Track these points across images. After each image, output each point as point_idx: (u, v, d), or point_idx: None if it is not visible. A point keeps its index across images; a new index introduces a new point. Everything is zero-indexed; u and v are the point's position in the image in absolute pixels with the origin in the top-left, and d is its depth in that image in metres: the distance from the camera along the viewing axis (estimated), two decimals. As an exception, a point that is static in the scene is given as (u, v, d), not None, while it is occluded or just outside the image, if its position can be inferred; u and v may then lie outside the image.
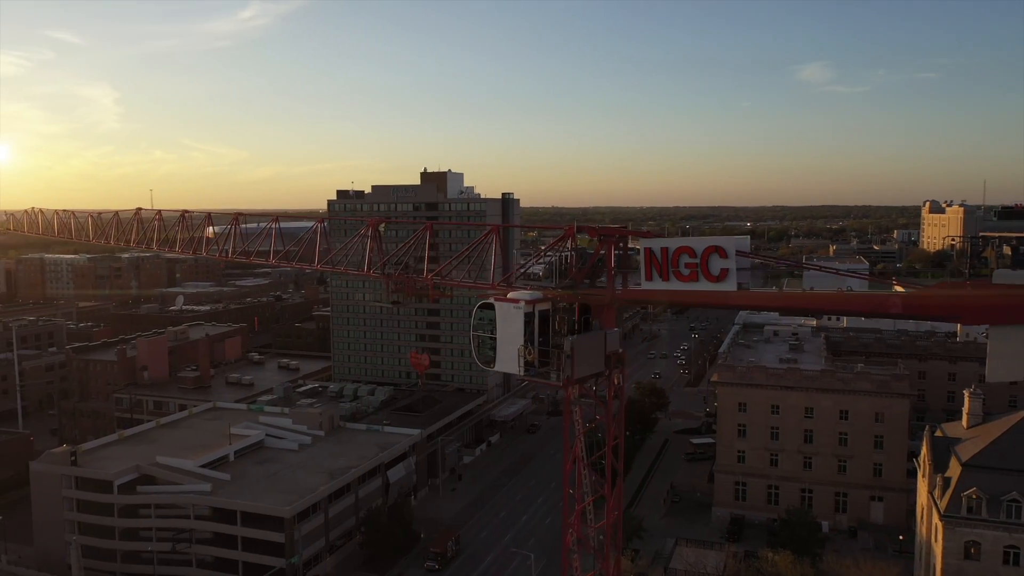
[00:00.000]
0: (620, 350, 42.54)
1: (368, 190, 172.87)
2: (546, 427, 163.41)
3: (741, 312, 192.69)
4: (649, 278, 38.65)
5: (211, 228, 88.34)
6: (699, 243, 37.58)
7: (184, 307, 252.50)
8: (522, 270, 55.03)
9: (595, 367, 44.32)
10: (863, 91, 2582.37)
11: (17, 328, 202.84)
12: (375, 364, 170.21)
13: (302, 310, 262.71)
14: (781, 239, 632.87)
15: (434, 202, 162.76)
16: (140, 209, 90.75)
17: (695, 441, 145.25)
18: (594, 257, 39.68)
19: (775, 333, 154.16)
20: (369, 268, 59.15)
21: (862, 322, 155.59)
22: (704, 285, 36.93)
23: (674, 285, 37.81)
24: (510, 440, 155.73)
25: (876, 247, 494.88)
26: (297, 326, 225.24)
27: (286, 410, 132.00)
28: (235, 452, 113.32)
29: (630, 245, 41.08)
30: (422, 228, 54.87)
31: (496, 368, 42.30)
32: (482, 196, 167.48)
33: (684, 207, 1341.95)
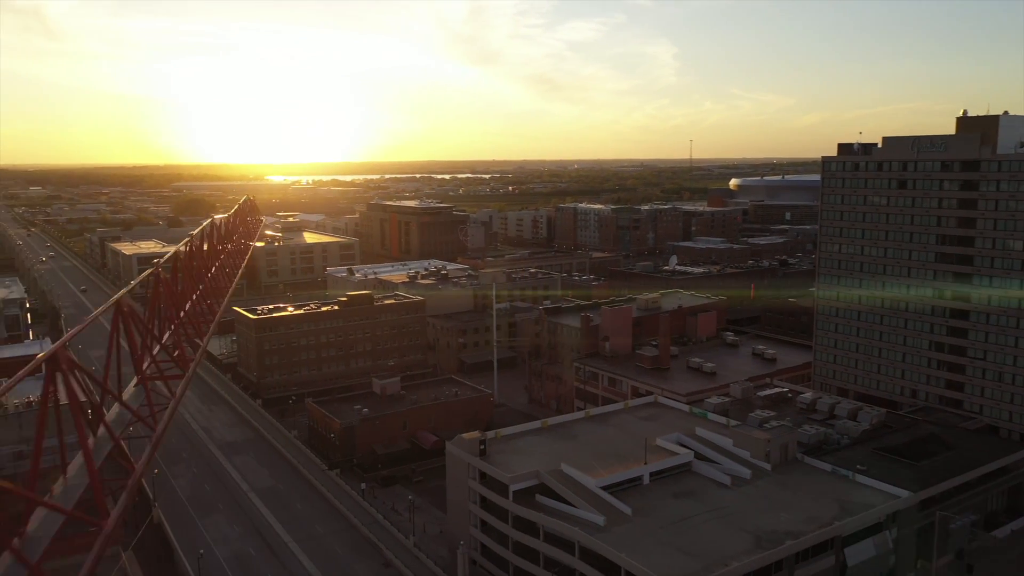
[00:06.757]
0: None
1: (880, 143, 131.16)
2: None
3: None
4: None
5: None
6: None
7: (677, 267, 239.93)
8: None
9: None
10: None
11: (517, 279, 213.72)
12: (867, 372, 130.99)
13: (807, 280, 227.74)
14: None
15: (974, 159, 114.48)
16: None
17: None
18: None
19: None
20: None
21: None
22: None
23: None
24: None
25: None
26: (790, 301, 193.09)
27: (733, 423, 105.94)
28: (651, 474, 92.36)
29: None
30: None
31: None
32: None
33: None
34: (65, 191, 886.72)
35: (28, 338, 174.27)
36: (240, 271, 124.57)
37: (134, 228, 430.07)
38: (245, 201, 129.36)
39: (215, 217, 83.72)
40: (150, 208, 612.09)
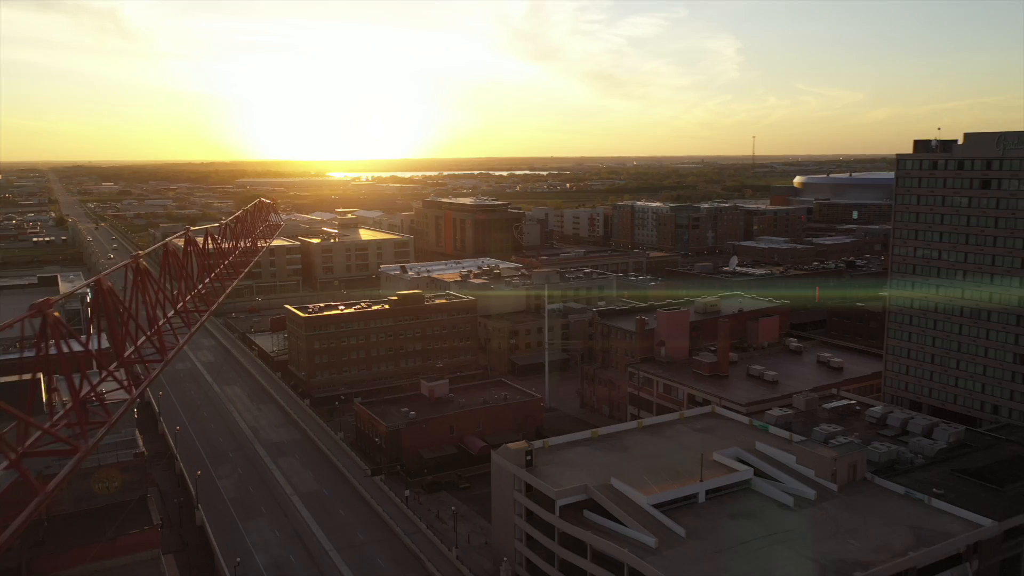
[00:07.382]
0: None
1: (961, 139, 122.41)
2: None
3: None
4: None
5: None
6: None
7: (737, 268, 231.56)
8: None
9: None
10: None
11: (571, 279, 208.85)
12: (943, 384, 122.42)
13: (876, 283, 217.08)
14: None
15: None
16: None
17: None
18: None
19: None
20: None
21: None
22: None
23: None
24: None
25: None
26: (859, 306, 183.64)
27: (797, 438, 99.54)
28: (707, 491, 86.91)
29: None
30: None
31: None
32: None
33: None
34: (135, 187, 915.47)
35: (88, 332, 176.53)
36: (241, 273, 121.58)
37: (197, 224, 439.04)
38: (257, 203, 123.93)
39: (190, 228, 79.50)
40: (214, 204, 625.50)
